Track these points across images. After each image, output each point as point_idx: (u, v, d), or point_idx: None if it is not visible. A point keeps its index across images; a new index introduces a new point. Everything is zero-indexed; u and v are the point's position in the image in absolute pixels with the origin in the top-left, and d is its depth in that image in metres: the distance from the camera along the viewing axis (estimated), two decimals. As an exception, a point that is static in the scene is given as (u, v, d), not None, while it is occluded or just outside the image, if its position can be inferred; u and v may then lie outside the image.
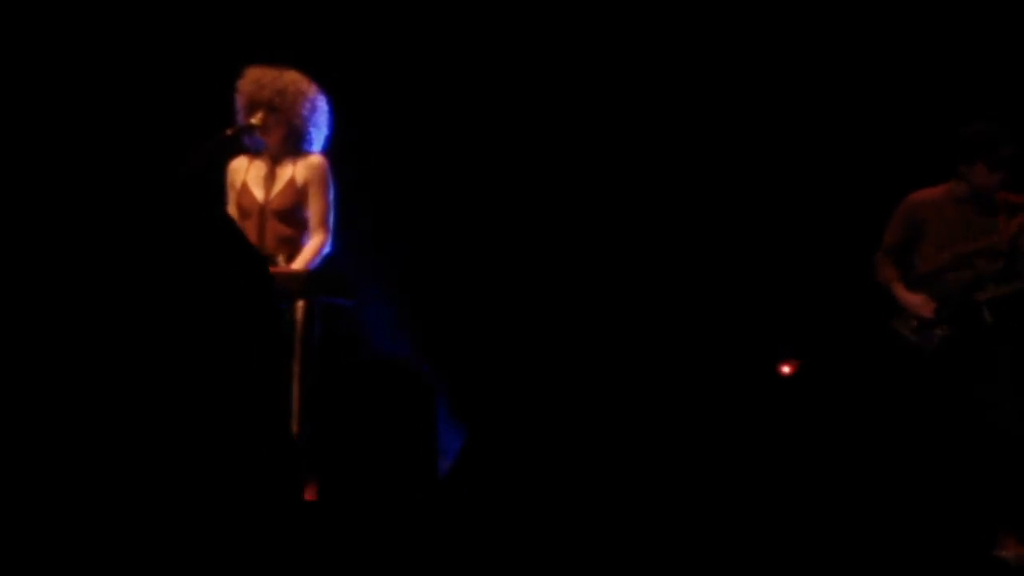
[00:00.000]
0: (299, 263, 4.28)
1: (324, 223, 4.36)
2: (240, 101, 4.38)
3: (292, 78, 4.37)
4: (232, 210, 4.43)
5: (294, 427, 3.91)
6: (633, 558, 3.62)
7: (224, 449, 1.47)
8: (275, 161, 4.41)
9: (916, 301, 4.61)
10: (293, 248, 4.34)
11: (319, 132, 4.44)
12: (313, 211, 4.36)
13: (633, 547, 3.70)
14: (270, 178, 4.38)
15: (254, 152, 4.45)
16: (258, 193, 4.38)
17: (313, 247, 4.33)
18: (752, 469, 4.93)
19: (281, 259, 4.29)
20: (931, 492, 4.37)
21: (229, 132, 4.30)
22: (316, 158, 4.41)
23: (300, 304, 4.14)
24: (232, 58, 4.53)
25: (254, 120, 4.32)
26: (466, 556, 3.37)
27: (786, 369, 5.68)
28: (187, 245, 1.46)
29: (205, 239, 1.51)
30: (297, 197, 4.35)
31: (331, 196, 4.39)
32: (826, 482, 4.64)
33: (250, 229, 4.30)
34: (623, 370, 5.57)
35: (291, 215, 4.35)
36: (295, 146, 4.40)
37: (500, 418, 5.28)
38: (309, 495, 3.82)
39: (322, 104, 4.44)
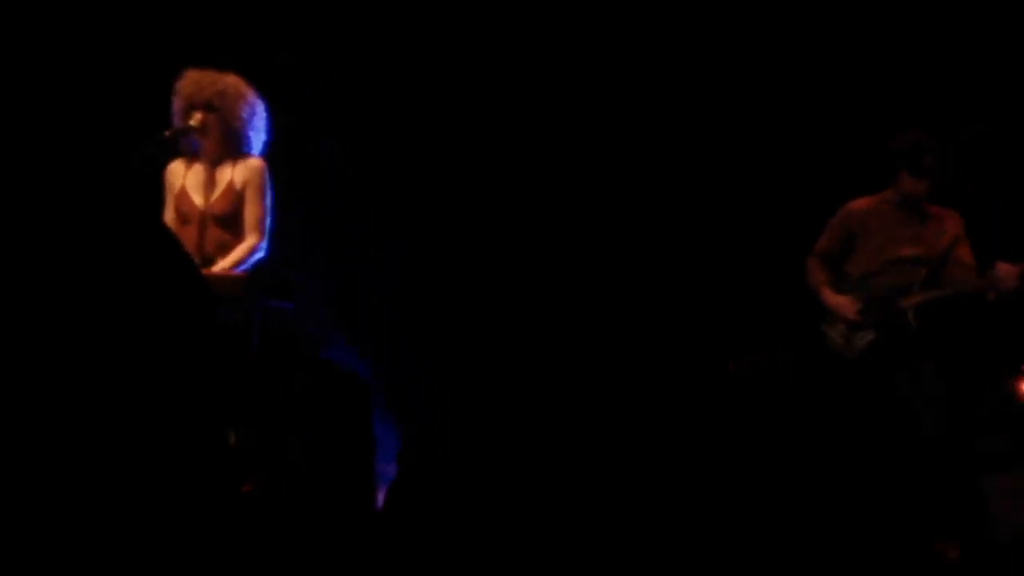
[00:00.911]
0: (228, 262, 4.26)
1: (258, 226, 4.36)
2: (177, 103, 4.37)
3: (231, 80, 4.38)
4: (170, 214, 4.42)
5: (232, 427, 3.91)
6: (576, 555, 3.66)
7: (154, 447, 1.49)
8: (214, 165, 4.41)
9: (841, 303, 4.71)
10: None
11: (257, 135, 4.44)
12: (248, 213, 4.35)
13: (576, 544, 3.74)
14: (209, 183, 4.39)
15: (192, 156, 4.44)
16: (197, 198, 4.37)
17: (245, 248, 4.32)
18: (686, 470, 4.99)
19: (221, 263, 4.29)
20: (858, 493, 4.46)
21: (167, 134, 4.30)
22: (255, 161, 4.41)
23: (240, 306, 4.13)
24: (169, 61, 4.52)
25: (192, 122, 4.32)
26: (404, 553, 3.40)
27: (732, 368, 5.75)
28: (120, 249, 1.48)
29: (138, 243, 1.53)
30: (236, 201, 4.36)
31: (268, 199, 4.40)
32: (755, 483, 4.72)
33: (189, 234, 4.30)
34: (565, 368, 5.62)
35: (231, 219, 4.35)
36: (234, 149, 4.40)
37: (437, 418, 5.31)
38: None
39: (260, 107, 4.44)
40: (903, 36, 5.67)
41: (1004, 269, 4.45)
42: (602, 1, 5.87)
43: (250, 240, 4.35)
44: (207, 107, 4.30)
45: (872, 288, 4.69)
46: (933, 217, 4.74)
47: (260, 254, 4.36)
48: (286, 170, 4.68)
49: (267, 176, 4.41)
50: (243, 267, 4.28)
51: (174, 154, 4.44)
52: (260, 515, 3.65)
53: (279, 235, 4.48)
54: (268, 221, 4.39)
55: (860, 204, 4.83)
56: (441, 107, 5.87)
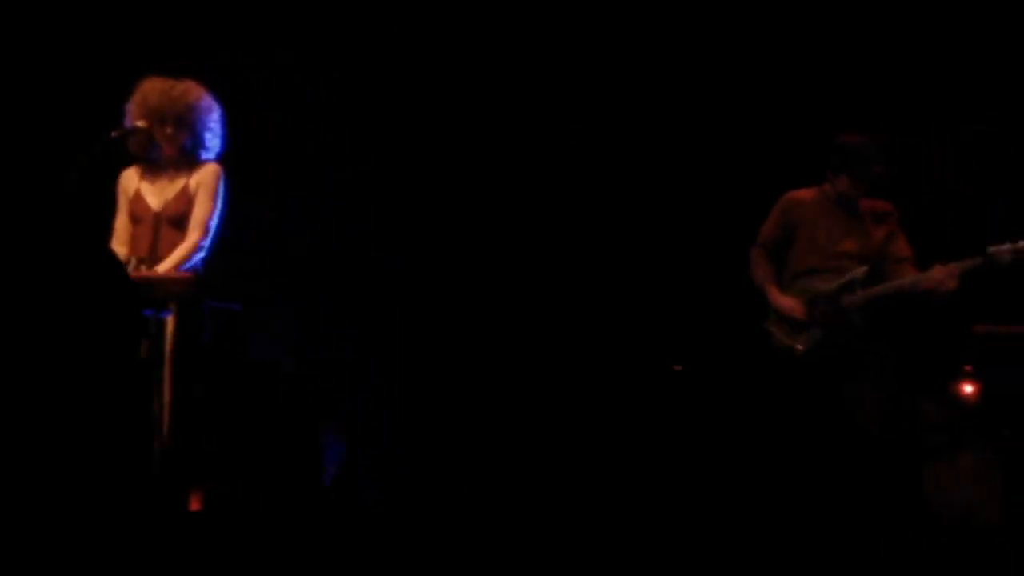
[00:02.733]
0: (170, 262, 4.27)
1: (203, 224, 4.35)
2: (134, 107, 4.40)
3: (188, 86, 4.42)
4: (124, 218, 4.43)
5: (179, 431, 3.92)
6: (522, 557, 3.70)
7: (78, 453, 1.51)
8: (170, 169, 4.44)
9: (788, 304, 4.76)
10: (187, 255, 4.35)
11: (214, 139, 4.48)
12: (196, 211, 4.37)
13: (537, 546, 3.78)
14: (164, 186, 4.42)
15: (147, 160, 4.46)
16: (152, 201, 4.40)
17: (187, 246, 4.32)
18: (635, 468, 5.04)
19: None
20: (802, 491, 4.53)
21: (114, 134, 4.32)
22: (211, 165, 4.45)
23: (189, 307, 4.14)
24: (120, 63, 4.52)
25: (140, 123, 4.34)
26: (354, 558, 3.43)
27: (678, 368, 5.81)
28: (44, 253, 1.50)
29: (63, 248, 1.55)
30: (190, 204, 4.38)
31: (218, 201, 4.41)
32: (702, 481, 4.77)
33: (143, 236, 4.33)
34: (510, 374, 5.65)
35: (185, 222, 4.36)
36: (191, 153, 4.44)
37: (384, 422, 5.33)
38: (195, 501, 3.85)
39: (217, 112, 4.48)
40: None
41: (941, 270, 4.52)
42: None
43: (192, 237, 4.35)
44: (178, 122, 4.35)
45: (815, 286, 4.74)
46: (867, 211, 4.81)
47: (202, 253, 4.36)
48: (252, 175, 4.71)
49: (222, 180, 4.43)
50: (187, 266, 4.29)
51: (124, 156, 4.45)
52: (209, 517, 3.66)
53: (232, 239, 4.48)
54: (215, 221, 4.39)
55: (801, 195, 4.88)
56: (410, 110, 5.89)
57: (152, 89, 4.38)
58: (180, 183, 4.39)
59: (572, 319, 5.81)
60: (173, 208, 4.35)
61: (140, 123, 4.33)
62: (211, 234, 4.38)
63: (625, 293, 5.85)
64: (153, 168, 4.45)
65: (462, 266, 5.86)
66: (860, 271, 4.68)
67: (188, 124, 4.35)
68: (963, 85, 5.55)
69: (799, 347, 4.69)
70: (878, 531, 4.33)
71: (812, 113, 5.69)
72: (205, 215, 4.37)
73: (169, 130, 4.34)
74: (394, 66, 5.88)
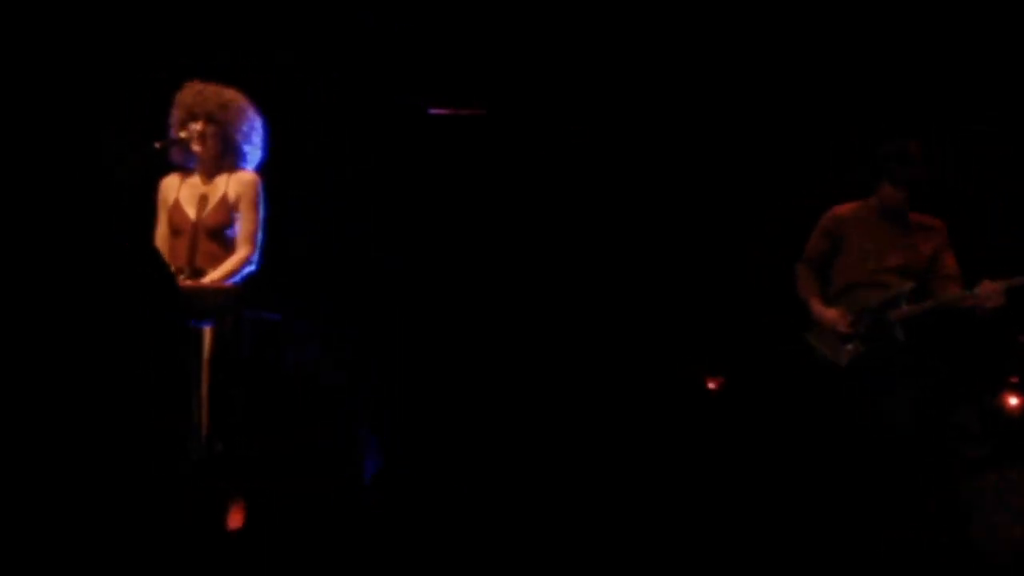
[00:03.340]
0: (218, 274, 4.29)
1: (250, 238, 4.39)
2: (176, 114, 4.42)
3: (233, 95, 4.44)
4: (163, 228, 4.46)
5: (217, 442, 3.95)
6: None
7: (113, 456, 1.53)
8: (209, 178, 4.46)
9: (832, 316, 4.73)
10: (225, 265, 4.38)
11: (254, 150, 4.49)
12: (241, 226, 4.39)
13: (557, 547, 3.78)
14: (203, 196, 4.42)
15: (187, 169, 4.49)
16: (190, 211, 4.41)
17: (236, 260, 4.35)
18: (677, 482, 5.02)
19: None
20: (842, 499, 4.49)
21: (158, 145, 4.34)
22: (248, 175, 4.45)
23: (229, 318, 4.17)
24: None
25: (184, 134, 4.36)
26: (394, 563, 3.45)
27: (712, 385, 5.78)
28: (96, 259, 1.52)
29: (115, 254, 1.58)
30: (229, 214, 4.39)
31: (261, 213, 4.43)
32: (744, 492, 4.74)
33: (182, 246, 4.34)
34: (550, 385, 5.64)
35: (223, 233, 4.38)
36: (230, 163, 4.45)
37: (421, 432, 5.34)
38: (235, 517, 3.88)
39: (259, 123, 4.49)
40: (903, 36, 5.66)
41: (988, 287, 4.46)
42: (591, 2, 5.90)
43: (241, 252, 4.37)
44: (208, 118, 4.36)
45: (860, 300, 4.70)
46: (916, 226, 4.76)
47: (251, 267, 4.39)
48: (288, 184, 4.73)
49: (261, 190, 4.44)
50: (234, 279, 4.32)
51: (167, 165, 4.48)
52: (249, 522, 3.69)
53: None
54: (260, 235, 4.42)
55: (845, 210, 4.84)
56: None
57: (189, 90, 4.42)
58: (219, 193, 4.41)
59: (591, 322, 5.79)
60: (212, 219, 4.37)
61: (183, 134, 4.37)
62: (259, 247, 4.41)
63: (652, 301, 5.81)
64: (192, 177, 4.47)
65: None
66: (906, 286, 4.64)
67: (219, 122, 4.36)
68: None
69: (843, 360, 4.66)
70: (919, 543, 4.29)
71: (857, 120, 5.64)
72: (253, 229, 4.39)
73: (198, 126, 4.35)
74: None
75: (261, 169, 4.52)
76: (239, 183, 4.42)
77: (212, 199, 4.41)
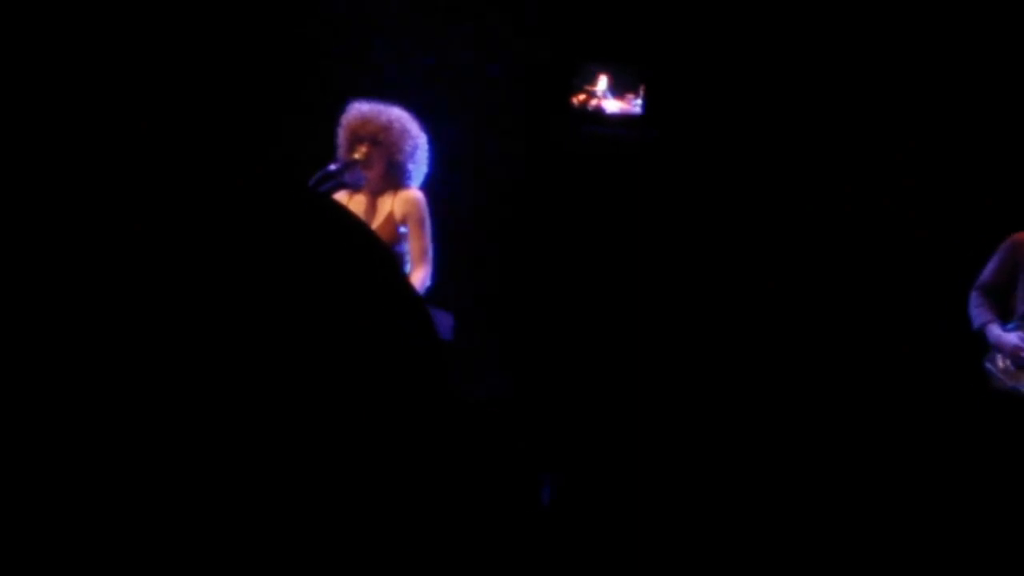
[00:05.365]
0: None
1: (424, 256, 4.42)
2: (343, 136, 4.48)
3: (396, 115, 4.47)
4: (332, 246, 4.50)
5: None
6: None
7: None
8: (375, 196, 4.50)
9: (1011, 343, 4.60)
10: (393, 284, 4.40)
11: (418, 169, 4.53)
12: (413, 246, 4.42)
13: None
14: (370, 214, 4.46)
15: (355, 188, 4.53)
16: (358, 229, 4.44)
17: (418, 280, 4.39)
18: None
19: None
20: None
21: (332, 168, 4.38)
22: (413, 193, 4.48)
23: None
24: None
25: (357, 155, 4.40)
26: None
27: None
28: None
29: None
30: (396, 232, 4.43)
31: (429, 230, 4.46)
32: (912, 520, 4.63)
33: (348, 265, 4.37)
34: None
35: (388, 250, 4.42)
36: (395, 182, 4.49)
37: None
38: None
39: (423, 141, 4.53)
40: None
41: None
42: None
43: (419, 273, 4.42)
44: (372, 141, 4.40)
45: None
46: None
47: (428, 283, 4.43)
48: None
49: (426, 207, 4.47)
50: None
51: (339, 186, 4.53)
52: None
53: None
54: (431, 251, 4.46)
55: None
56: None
57: (354, 114, 4.46)
58: (385, 211, 4.45)
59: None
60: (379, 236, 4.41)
61: (357, 155, 4.41)
62: (432, 263, 4.44)
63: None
64: (358, 195, 4.51)
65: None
66: None
67: (382, 144, 4.40)
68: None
69: (1022, 387, 4.53)
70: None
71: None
72: (424, 245, 4.43)
73: (364, 148, 4.39)
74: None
75: (425, 185, 4.55)
76: (404, 202, 4.45)
77: (378, 218, 4.45)
